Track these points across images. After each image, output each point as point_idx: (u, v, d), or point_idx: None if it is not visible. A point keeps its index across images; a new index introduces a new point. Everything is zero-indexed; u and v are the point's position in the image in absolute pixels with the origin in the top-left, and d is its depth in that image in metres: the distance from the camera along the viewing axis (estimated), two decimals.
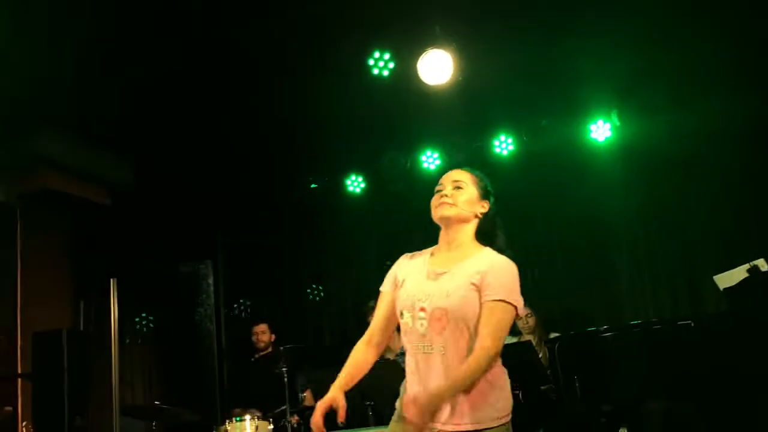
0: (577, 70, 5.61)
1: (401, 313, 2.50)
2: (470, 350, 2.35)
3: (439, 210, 2.55)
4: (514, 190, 6.66)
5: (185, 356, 6.61)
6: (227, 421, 5.19)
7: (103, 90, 5.30)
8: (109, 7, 4.51)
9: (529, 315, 5.58)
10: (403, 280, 2.56)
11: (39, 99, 5.24)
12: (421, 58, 5.22)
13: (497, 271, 2.43)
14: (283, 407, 5.09)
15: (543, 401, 4.96)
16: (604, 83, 5.85)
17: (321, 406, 2.40)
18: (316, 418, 2.38)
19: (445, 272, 2.47)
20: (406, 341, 2.50)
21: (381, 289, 2.66)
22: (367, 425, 4.26)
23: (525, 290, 7.14)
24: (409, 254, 2.66)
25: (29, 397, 5.59)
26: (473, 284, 2.39)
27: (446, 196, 2.55)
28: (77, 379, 5.54)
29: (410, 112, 6.01)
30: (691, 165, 6.04)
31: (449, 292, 2.40)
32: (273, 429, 5.08)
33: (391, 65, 5.45)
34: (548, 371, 4.83)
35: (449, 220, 2.54)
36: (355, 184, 7.15)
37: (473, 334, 2.36)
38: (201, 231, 6.89)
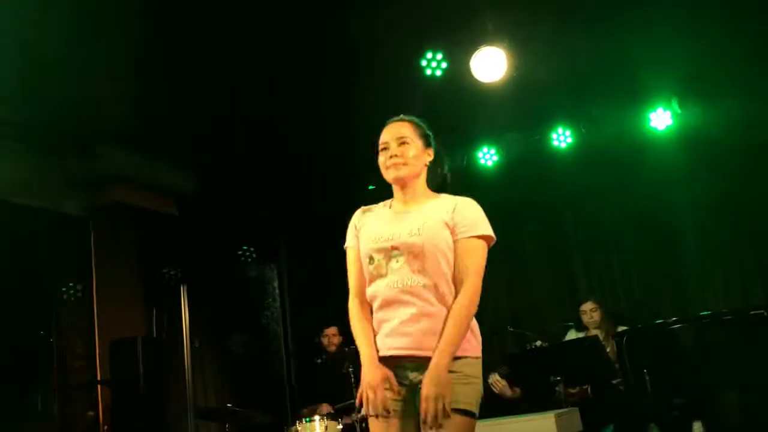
0: (634, 58, 5.50)
1: (370, 258, 2.46)
2: (449, 282, 2.39)
3: (390, 172, 2.53)
4: (575, 182, 6.61)
5: (254, 359, 6.76)
6: (297, 421, 5.30)
7: (164, 103, 5.48)
8: (167, 21, 4.66)
9: (594, 309, 5.50)
10: (363, 228, 2.56)
11: (105, 115, 5.46)
12: (473, 56, 5.22)
13: (465, 208, 2.47)
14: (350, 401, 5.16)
15: (613, 396, 4.90)
16: (663, 70, 5.72)
17: (379, 386, 2.32)
18: (382, 398, 2.31)
19: (408, 212, 2.50)
20: (377, 283, 2.45)
21: (346, 246, 2.62)
22: None
23: (589, 285, 6.98)
24: (364, 207, 2.65)
25: (109, 401, 5.83)
26: (444, 222, 2.43)
27: (396, 156, 2.52)
28: (152, 383, 5.75)
29: (465, 109, 6.01)
30: (757, 151, 5.84)
31: (420, 229, 2.41)
32: (342, 429, 5.16)
33: (444, 65, 5.46)
34: (617, 365, 4.77)
35: (403, 180, 2.54)
36: None
37: (450, 266, 2.40)
38: (265, 236, 7.04)
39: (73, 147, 5.73)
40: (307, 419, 5.25)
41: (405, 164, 2.51)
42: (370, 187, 7.25)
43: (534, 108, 6.19)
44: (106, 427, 5.72)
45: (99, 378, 5.88)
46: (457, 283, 2.40)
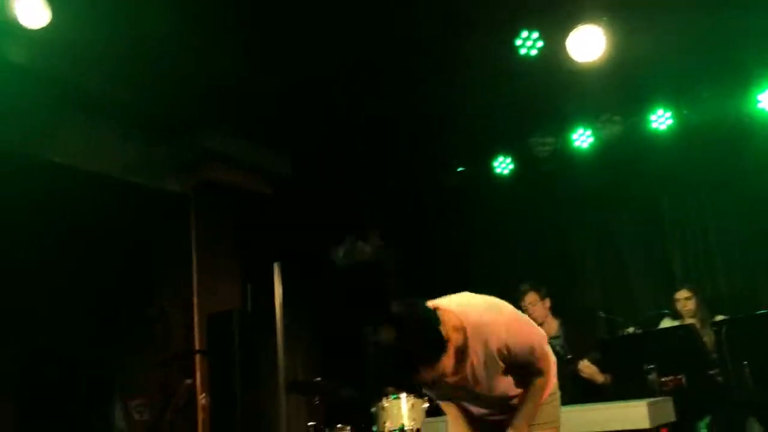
0: (741, 34, 5.21)
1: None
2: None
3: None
4: (675, 166, 6.37)
5: (344, 337, 6.90)
6: (384, 397, 5.39)
7: (263, 88, 5.64)
8: (269, 4, 4.77)
9: (688, 298, 5.31)
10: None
11: (206, 98, 5.67)
12: (570, 35, 5.07)
13: (511, 344, 2.37)
14: None
15: (710, 387, 4.72)
16: None
17: None
18: None
19: (468, 384, 2.43)
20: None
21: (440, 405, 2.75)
22: None
23: (686, 272, 6.69)
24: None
25: (206, 371, 6.09)
26: (502, 367, 2.40)
27: (455, 385, 2.43)
28: (247, 355, 5.96)
29: (560, 90, 5.87)
30: None
31: (490, 388, 2.44)
32: (428, 406, 5.21)
33: (540, 44, 5.34)
34: (714, 356, 4.59)
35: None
36: (503, 165, 7.10)
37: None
38: (355, 216, 7.14)
39: (177, 127, 5.98)
40: (394, 396, 5.33)
41: (452, 374, 2.33)
42: (459, 169, 7.25)
43: (633, 88, 5.98)
44: (203, 395, 5.98)
45: (197, 348, 6.14)
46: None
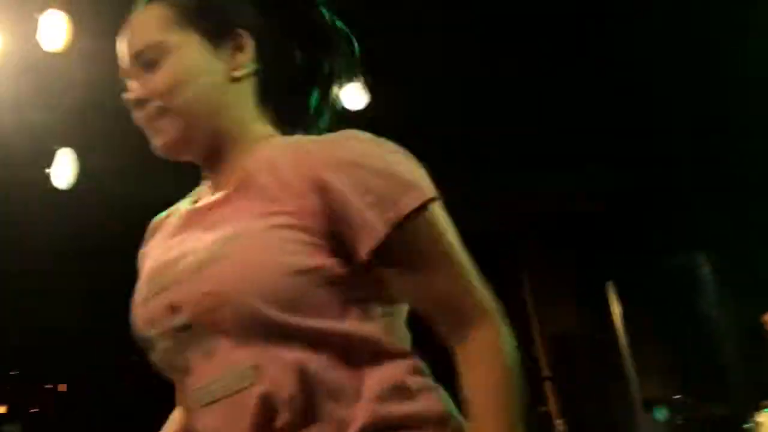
0: None
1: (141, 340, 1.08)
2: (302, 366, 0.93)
3: (152, 138, 1.07)
4: None
5: (695, 349, 6.55)
6: (757, 411, 4.98)
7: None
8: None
9: None
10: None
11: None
12: None
13: (361, 159, 0.97)
14: None
15: None
16: None
17: None
18: None
19: (210, 217, 1.02)
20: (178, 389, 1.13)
21: None
22: None
23: None
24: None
25: (556, 396, 6.21)
26: (279, 214, 0.96)
27: (141, 102, 1.04)
28: (594, 378, 5.99)
29: None
30: None
31: (223, 253, 0.95)
32: None
33: None
34: None
35: (176, 149, 1.07)
36: None
37: (300, 323, 0.93)
38: (692, 221, 6.74)
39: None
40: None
41: (165, 113, 1.04)
42: None
43: None
44: (559, 422, 6.08)
45: (543, 375, 6.30)
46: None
